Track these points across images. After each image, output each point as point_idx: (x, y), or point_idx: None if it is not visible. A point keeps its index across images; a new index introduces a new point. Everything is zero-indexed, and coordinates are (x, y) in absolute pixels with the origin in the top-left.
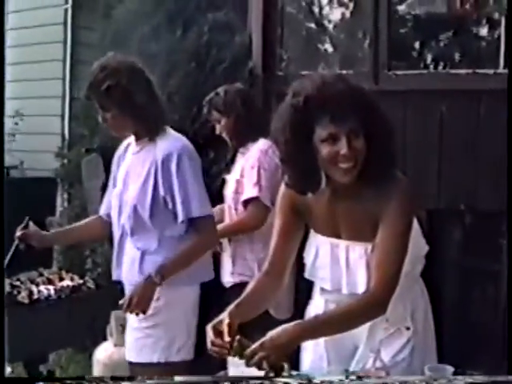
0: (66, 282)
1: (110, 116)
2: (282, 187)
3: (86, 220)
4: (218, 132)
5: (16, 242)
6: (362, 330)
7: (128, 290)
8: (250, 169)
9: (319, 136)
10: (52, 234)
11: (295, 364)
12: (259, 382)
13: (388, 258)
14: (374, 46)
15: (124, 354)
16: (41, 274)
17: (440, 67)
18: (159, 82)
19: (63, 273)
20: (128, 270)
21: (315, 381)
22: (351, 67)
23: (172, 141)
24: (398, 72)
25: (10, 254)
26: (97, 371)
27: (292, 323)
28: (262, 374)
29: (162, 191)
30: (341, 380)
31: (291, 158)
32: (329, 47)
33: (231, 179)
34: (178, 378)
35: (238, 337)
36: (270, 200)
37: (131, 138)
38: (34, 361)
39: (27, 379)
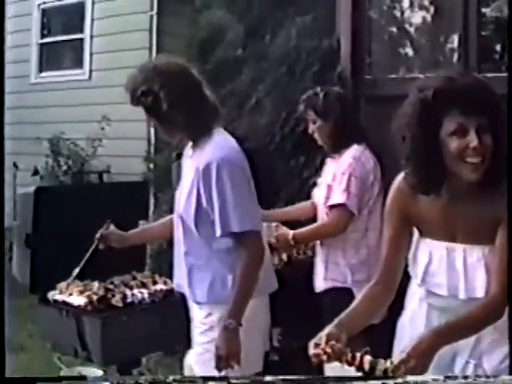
0: (160, 286)
1: (153, 122)
2: (392, 192)
3: (162, 220)
4: (310, 131)
5: (94, 244)
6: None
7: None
8: (341, 175)
9: (447, 129)
10: (130, 234)
11: None
12: None
13: (507, 261)
14: (464, 48)
15: None
16: (134, 278)
17: None
18: (248, 87)
19: (156, 276)
20: (182, 282)
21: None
22: (432, 71)
23: (215, 148)
24: (489, 75)
25: (87, 257)
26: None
27: (426, 332)
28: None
29: (204, 202)
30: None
31: (417, 154)
32: (409, 51)
33: (322, 183)
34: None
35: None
36: (357, 207)
37: None
38: (128, 364)
39: (27, 379)
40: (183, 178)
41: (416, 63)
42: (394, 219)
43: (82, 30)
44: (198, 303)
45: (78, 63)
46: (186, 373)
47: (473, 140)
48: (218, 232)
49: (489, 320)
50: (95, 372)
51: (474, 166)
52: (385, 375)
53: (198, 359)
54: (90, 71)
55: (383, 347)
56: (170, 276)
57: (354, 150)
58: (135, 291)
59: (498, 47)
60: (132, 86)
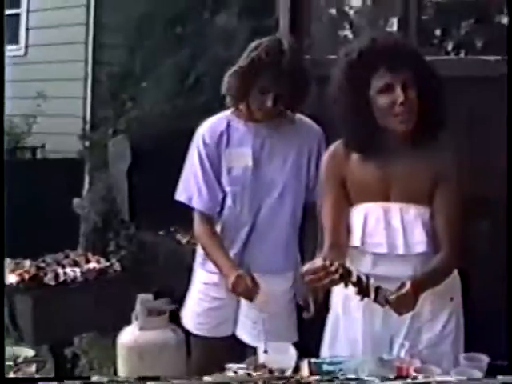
0: (93, 265)
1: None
2: (326, 159)
3: (211, 235)
4: None
5: None
6: (399, 320)
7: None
8: None
9: (375, 87)
10: None
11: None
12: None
13: (455, 219)
14: (403, 32)
15: (150, 338)
16: (67, 256)
17: (462, 54)
18: (187, 64)
19: (90, 255)
20: (269, 257)
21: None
22: None
23: (316, 127)
24: (428, 58)
25: None
26: (121, 355)
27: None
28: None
29: (312, 173)
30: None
31: (350, 114)
32: (349, 33)
33: None
34: (206, 378)
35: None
36: None
37: (222, 122)
38: (60, 344)
39: (27, 379)
40: (273, 155)
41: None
42: (331, 185)
43: (18, 5)
44: (287, 272)
45: (14, 39)
46: (120, 352)
47: (399, 96)
48: (316, 197)
49: (445, 273)
50: (27, 352)
51: (402, 118)
52: (386, 302)
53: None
54: (26, 47)
55: None
56: (103, 255)
57: None
58: (68, 270)
59: (438, 32)
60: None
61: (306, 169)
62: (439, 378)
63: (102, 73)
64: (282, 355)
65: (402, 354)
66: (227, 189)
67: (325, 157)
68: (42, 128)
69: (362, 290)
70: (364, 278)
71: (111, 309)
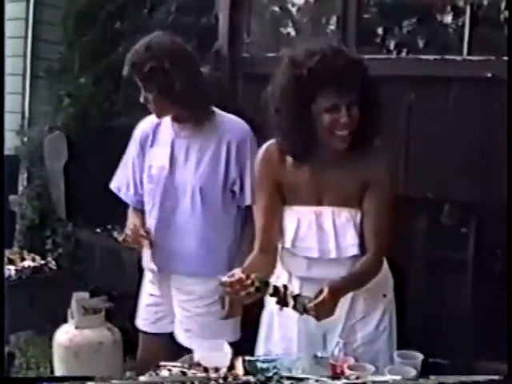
0: (28, 263)
1: (151, 97)
2: (261, 160)
3: (135, 218)
4: None
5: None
6: (333, 318)
7: (177, 277)
8: None
9: (322, 106)
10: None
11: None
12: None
13: (382, 221)
14: (342, 31)
15: (86, 337)
16: None
17: (403, 54)
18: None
19: (25, 253)
20: (182, 258)
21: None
22: None
23: (241, 124)
24: (366, 56)
25: None
26: (57, 354)
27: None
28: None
29: (233, 174)
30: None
31: (290, 124)
32: (291, 31)
33: None
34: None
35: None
36: None
37: (151, 121)
38: None
39: (27, 379)
40: (178, 157)
41: (297, 44)
42: (265, 186)
43: None
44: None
45: None
46: (56, 351)
47: (343, 116)
48: (248, 201)
49: (370, 275)
50: None
51: (343, 137)
52: (304, 310)
53: (204, 330)
54: None
55: None
56: (40, 253)
57: None
58: None
59: (380, 30)
60: (138, 61)
61: (223, 171)
62: (374, 378)
63: (41, 68)
64: (216, 353)
65: (336, 352)
66: (145, 186)
67: (258, 158)
68: None
69: (281, 300)
70: (282, 289)
71: (47, 307)
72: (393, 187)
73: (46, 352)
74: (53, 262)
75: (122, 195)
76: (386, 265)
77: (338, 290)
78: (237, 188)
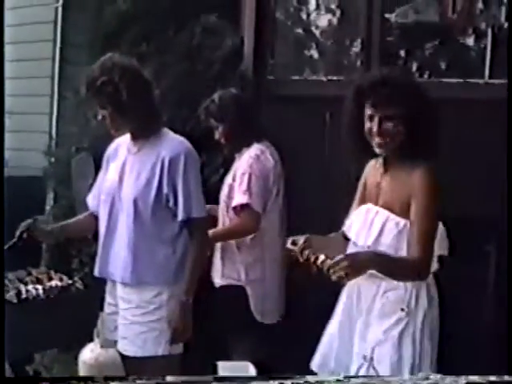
0: (55, 282)
1: (106, 114)
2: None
3: (80, 216)
4: (216, 137)
5: (16, 237)
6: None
7: (120, 286)
8: (241, 175)
9: (366, 114)
10: (53, 229)
11: None
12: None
13: (424, 232)
14: (366, 53)
15: (111, 356)
16: (29, 273)
17: (425, 76)
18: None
19: (52, 272)
20: (120, 267)
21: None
22: (336, 74)
23: (178, 141)
24: None
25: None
26: (82, 372)
27: (366, 251)
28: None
29: (165, 189)
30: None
31: (347, 126)
32: (315, 53)
33: (225, 183)
34: (169, 378)
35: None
36: (261, 206)
37: (122, 139)
38: (21, 361)
39: (27, 379)
40: (125, 172)
41: (320, 65)
42: (361, 185)
43: None
44: (145, 284)
45: None
46: (82, 370)
47: (374, 126)
48: (181, 216)
49: (410, 275)
50: None
51: (378, 144)
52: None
53: (139, 338)
54: None
55: None
56: (66, 272)
57: (255, 148)
58: (30, 287)
59: (403, 53)
60: (91, 76)
61: (156, 185)
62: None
63: (68, 89)
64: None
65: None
66: (100, 197)
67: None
68: (7, 144)
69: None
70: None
71: (73, 326)
72: (434, 200)
73: (71, 370)
74: (80, 282)
75: (88, 201)
76: (421, 286)
77: (356, 257)
78: (171, 203)
